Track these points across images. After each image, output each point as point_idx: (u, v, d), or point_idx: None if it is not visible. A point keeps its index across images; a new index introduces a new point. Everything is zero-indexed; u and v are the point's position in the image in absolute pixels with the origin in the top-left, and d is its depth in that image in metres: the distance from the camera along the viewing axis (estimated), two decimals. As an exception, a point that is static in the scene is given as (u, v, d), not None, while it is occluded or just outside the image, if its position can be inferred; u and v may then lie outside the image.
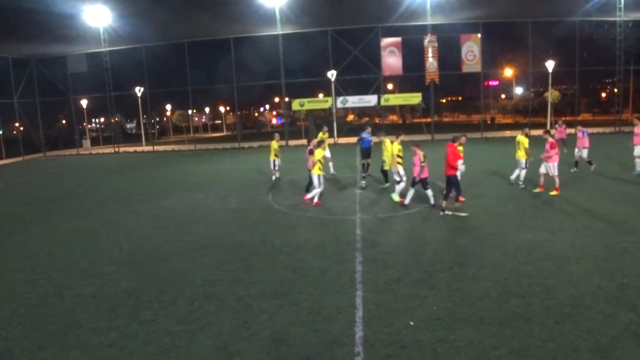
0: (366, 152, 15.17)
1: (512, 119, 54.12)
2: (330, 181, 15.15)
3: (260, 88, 43.08)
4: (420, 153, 10.29)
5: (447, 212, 9.95)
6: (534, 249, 7.58)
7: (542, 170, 11.81)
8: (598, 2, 26.37)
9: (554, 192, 11.42)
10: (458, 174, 9.99)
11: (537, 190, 11.82)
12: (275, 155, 15.14)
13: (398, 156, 11.30)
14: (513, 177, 12.85)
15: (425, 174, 10.40)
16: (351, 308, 5.73)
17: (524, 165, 12.29)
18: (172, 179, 18.05)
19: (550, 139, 11.52)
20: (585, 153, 14.52)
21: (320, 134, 15.73)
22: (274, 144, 15.19)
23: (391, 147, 11.88)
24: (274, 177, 15.53)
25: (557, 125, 16.63)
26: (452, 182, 9.97)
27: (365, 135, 15.34)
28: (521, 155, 12.23)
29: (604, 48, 31.81)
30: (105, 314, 5.93)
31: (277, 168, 15.34)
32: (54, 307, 6.24)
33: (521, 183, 12.45)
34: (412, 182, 10.67)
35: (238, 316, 5.68)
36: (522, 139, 12.17)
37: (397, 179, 11.41)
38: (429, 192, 10.56)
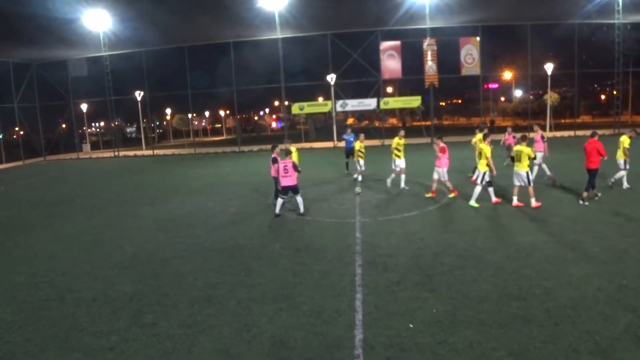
0: (348, 152, 16.34)
1: (511, 121, 54.06)
2: (330, 183, 15.23)
3: (260, 91, 43.21)
4: (284, 162, 10.57)
5: (586, 203, 10.54)
6: (534, 251, 7.60)
7: (435, 176, 11.88)
8: (597, 5, 26.49)
9: (452, 195, 11.77)
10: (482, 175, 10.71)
11: (429, 195, 11.82)
12: (359, 156, 14.67)
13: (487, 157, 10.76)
14: (614, 179, 12.36)
15: (291, 182, 10.60)
16: (351, 311, 5.75)
17: (622, 166, 12.07)
18: (172, 183, 18.08)
19: (441, 144, 11.51)
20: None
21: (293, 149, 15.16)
22: (358, 144, 14.70)
23: (485, 148, 10.94)
24: (359, 177, 14.94)
25: (506, 133, 16.31)
26: (592, 175, 10.41)
27: (346, 136, 16.48)
28: (619, 156, 12.08)
29: (603, 50, 31.91)
30: (106, 317, 5.95)
31: (363, 168, 14.86)
32: (56, 311, 6.26)
33: (612, 181, 12.21)
34: (277, 193, 10.83)
35: (239, 319, 5.70)
36: (624, 139, 12.02)
37: (487, 179, 10.95)
38: (279, 201, 10.94)
